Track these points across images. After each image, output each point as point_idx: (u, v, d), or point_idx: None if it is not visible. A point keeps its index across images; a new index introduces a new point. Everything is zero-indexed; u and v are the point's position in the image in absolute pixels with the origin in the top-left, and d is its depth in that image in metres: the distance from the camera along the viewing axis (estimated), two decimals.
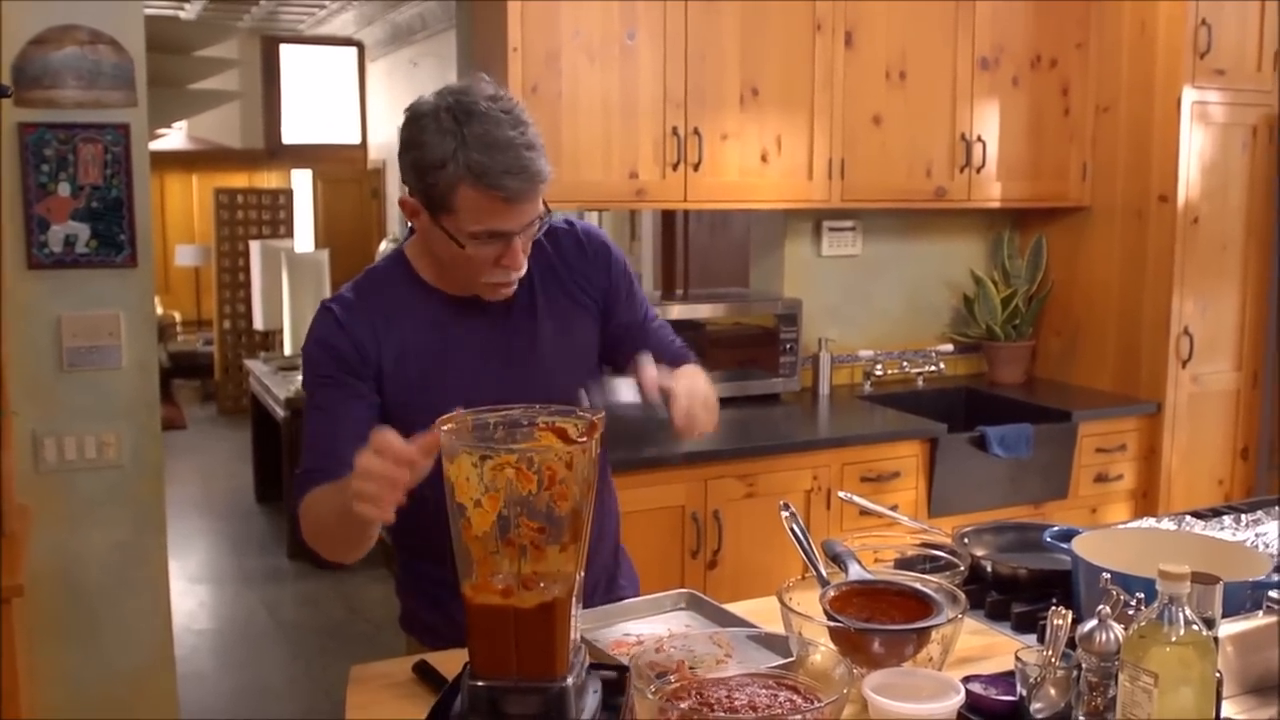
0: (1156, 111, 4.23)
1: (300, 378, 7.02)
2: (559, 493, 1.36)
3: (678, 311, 4.02)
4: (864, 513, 2.43)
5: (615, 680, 1.59)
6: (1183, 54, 4.14)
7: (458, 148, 1.72)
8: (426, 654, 1.86)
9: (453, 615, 1.73)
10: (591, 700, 1.52)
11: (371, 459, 1.47)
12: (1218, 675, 1.48)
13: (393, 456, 1.45)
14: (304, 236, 11.34)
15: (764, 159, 3.87)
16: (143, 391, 3.52)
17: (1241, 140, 4.29)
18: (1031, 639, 1.96)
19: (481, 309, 1.93)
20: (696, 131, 3.73)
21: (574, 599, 1.43)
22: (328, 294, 9.74)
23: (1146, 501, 4.28)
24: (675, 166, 3.72)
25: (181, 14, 9.70)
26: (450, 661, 1.73)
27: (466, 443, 1.37)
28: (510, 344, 1.95)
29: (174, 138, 11.54)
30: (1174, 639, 1.42)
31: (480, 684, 1.40)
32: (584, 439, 1.40)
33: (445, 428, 1.40)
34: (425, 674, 1.78)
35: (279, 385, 6.80)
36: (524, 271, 1.86)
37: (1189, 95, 4.16)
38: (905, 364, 4.62)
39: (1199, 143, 4.20)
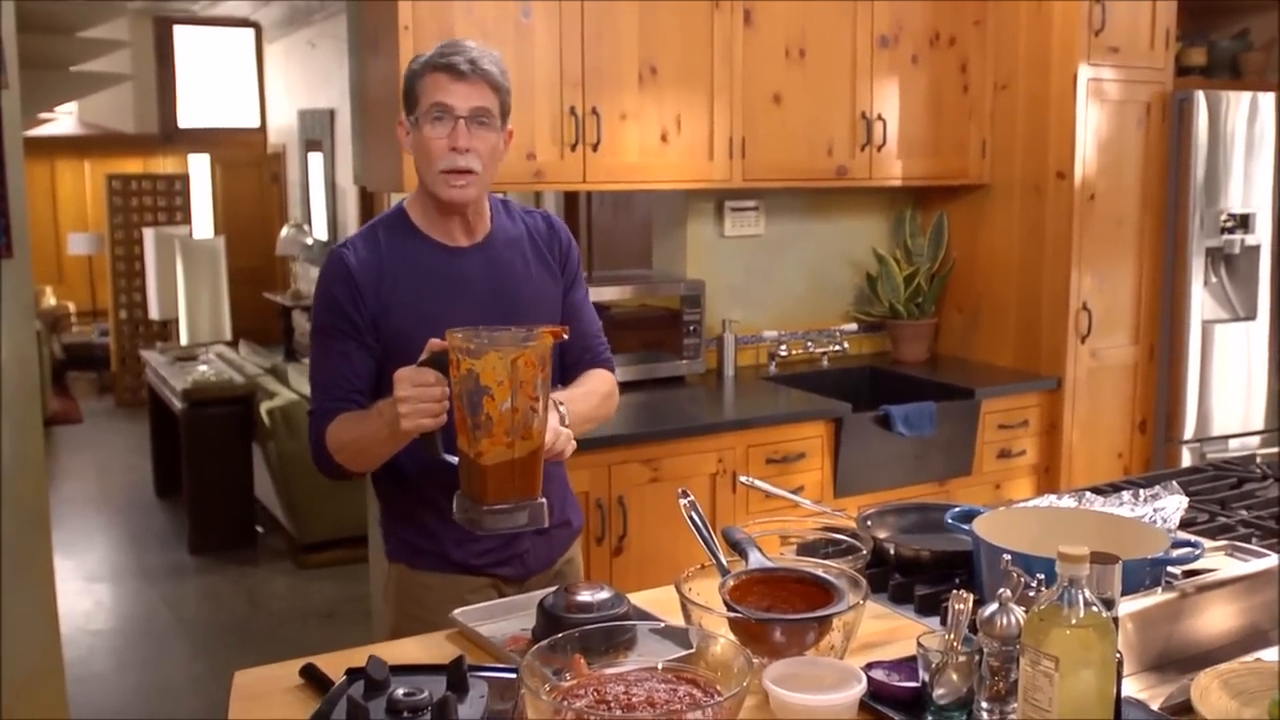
0: (1053, 89, 4.26)
1: (200, 368, 6.86)
2: (545, 375, 1.85)
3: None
4: (767, 496, 2.40)
5: (507, 683, 1.54)
6: (1078, 31, 4.17)
7: (424, 56, 2.15)
8: (314, 658, 1.79)
9: (433, 533, 2.23)
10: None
11: (414, 389, 1.90)
12: (1118, 655, 1.47)
13: (425, 383, 1.90)
14: (202, 222, 11.08)
15: (664, 139, 3.82)
16: (23, 385, 3.38)
17: (1136, 117, 4.34)
18: (935, 621, 1.94)
19: (473, 259, 2.23)
20: (595, 111, 3.67)
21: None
22: (224, 282, 9.62)
23: (1049, 476, 4.33)
24: (574, 147, 3.65)
25: None
26: (338, 663, 1.67)
27: (495, 344, 1.83)
28: (499, 292, 2.23)
29: (65, 122, 11.19)
30: (1074, 621, 1.41)
31: (496, 507, 1.89)
32: (565, 336, 1.93)
33: (459, 335, 1.83)
34: (312, 677, 1.71)
35: (176, 377, 6.64)
36: (475, 168, 2.13)
37: (1084, 73, 4.19)
38: (810, 344, 4.61)
39: (1095, 120, 4.24)
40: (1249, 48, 5.03)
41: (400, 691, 1.40)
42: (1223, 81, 4.82)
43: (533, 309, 2.25)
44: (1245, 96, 4.47)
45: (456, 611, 1.93)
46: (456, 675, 1.46)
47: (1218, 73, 4.88)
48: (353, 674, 1.51)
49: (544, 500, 1.92)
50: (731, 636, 1.65)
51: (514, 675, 1.52)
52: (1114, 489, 2.49)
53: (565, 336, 1.91)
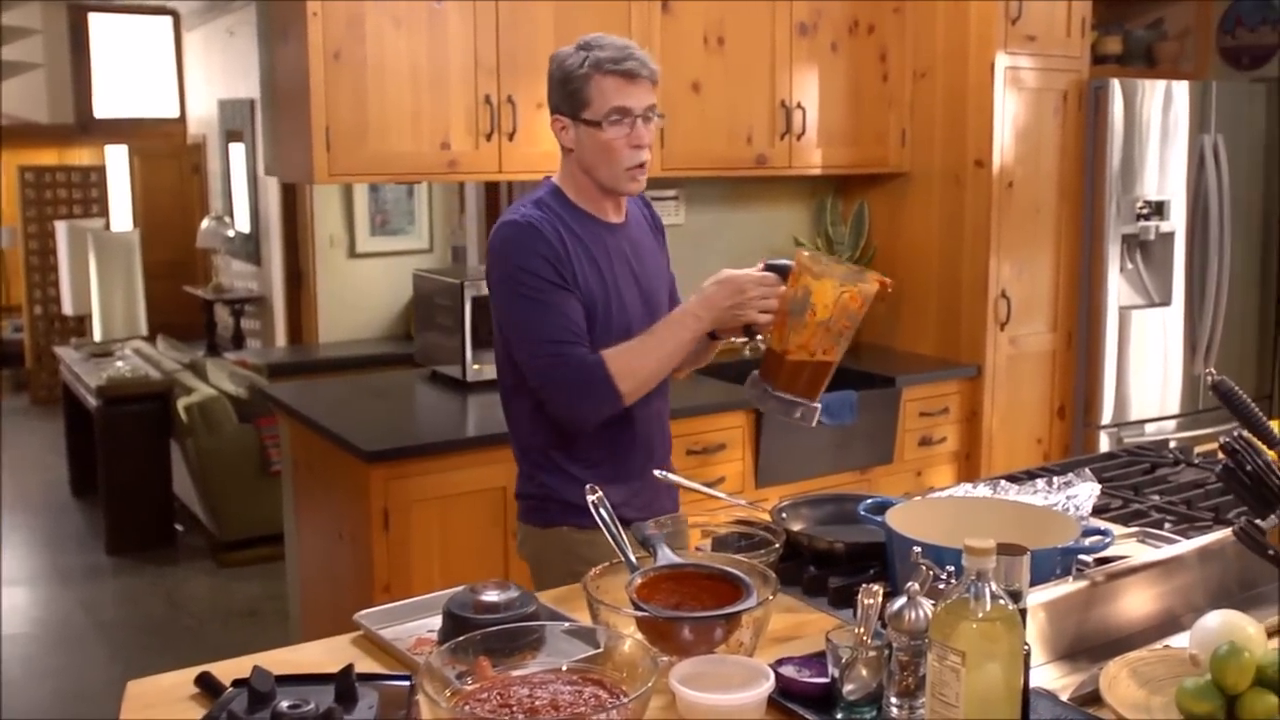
0: (971, 77, 4.27)
1: (116, 364, 6.71)
2: (859, 309, 2.15)
3: None
4: (681, 489, 2.37)
5: (400, 692, 1.49)
6: (995, 20, 4.18)
7: (588, 55, 2.27)
8: (208, 665, 1.73)
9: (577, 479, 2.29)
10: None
11: (760, 288, 2.22)
12: (1026, 648, 1.46)
13: (769, 284, 2.22)
14: (120, 215, 10.86)
15: None
16: None
17: (1053, 105, 4.37)
18: (850, 614, 1.92)
19: (622, 235, 2.42)
20: (510, 100, 3.62)
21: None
22: (139, 276, 9.43)
23: (969, 463, 4.35)
24: (489, 136, 3.60)
25: None
26: (244, 670, 1.62)
27: (831, 274, 2.16)
28: (640, 263, 2.44)
29: None
30: (980, 615, 1.39)
31: (782, 395, 2.20)
32: (890, 289, 2.21)
33: (807, 256, 2.19)
34: (208, 686, 1.65)
35: (90, 373, 6.50)
36: (649, 158, 2.32)
37: (1002, 61, 4.20)
38: None
39: (1012, 108, 4.26)
40: (1163, 37, 5.09)
41: (285, 704, 1.35)
42: (1138, 70, 4.87)
43: (658, 278, 2.51)
44: (1160, 85, 4.51)
45: (359, 614, 1.88)
46: (345, 685, 1.42)
47: (1133, 61, 4.93)
48: (239, 685, 1.46)
49: (818, 405, 2.20)
50: (639, 636, 1.62)
51: (407, 683, 1.47)
52: (1029, 476, 2.49)
53: (889, 289, 2.21)
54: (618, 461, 2.40)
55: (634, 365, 2.27)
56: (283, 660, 1.75)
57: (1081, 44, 4.42)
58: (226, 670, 1.68)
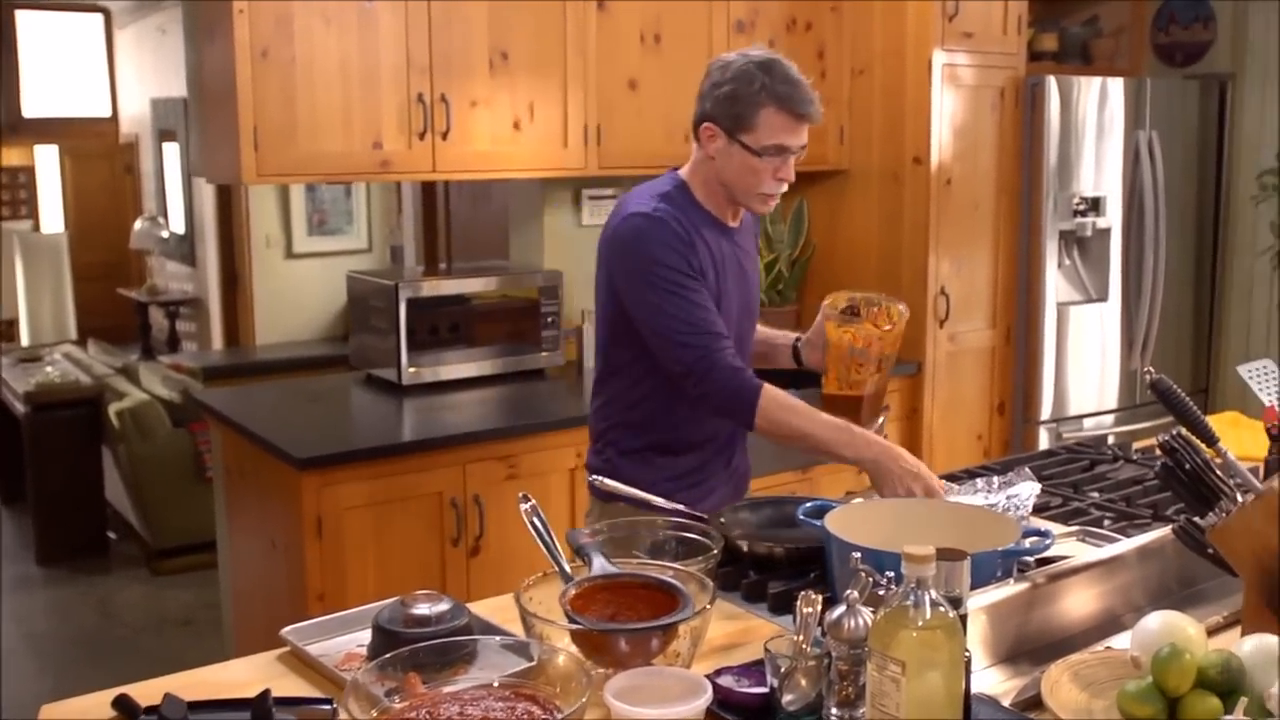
0: (909, 74, 4.26)
1: (45, 369, 6.57)
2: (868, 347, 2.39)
3: (431, 287, 3.85)
4: (615, 495, 2.33)
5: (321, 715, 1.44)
6: (932, 18, 4.18)
7: (765, 82, 2.30)
8: (128, 686, 1.67)
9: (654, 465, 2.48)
10: None
11: (924, 480, 2.22)
12: (967, 654, 1.43)
13: (925, 481, 2.22)
14: (51, 217, 10.65)
15: (516, 126, 3.72)
16: None
17: (990, 102, 4.37)
18: (790, 620, 1.89)
19: (735, 238, 2.51)
20: (444, 98, 3.56)
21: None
22: (68, 279, 9.25)
23: None
24: (422, 135, 3.54)
25: None
26: (154, 691, 1.56)
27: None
28: (745, 268, 2.55)
29: None
30: (920, 623, 1.36)
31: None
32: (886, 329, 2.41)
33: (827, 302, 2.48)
34: (125, 709, 1.59)
35: (18, 379, 6.35)
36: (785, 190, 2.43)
37: (939, 58, 4.20)
38: None
39: (950, 105, 4.25)
40: (1099, 34, 5.12)
41: None
42: (1073, 67, 4.89)
43: (757, 282, 2.64)
44: (1095, 82, 4.53)
45: (286, 630, 1.82)
46: (261, 710, 1.36)
47: (1069, 59, 4.96)
48: (150, 713, 1.40)
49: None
50: (574, 648, 1.57)
51: (329, 706, 1.42)
52: (969, 475, 2.48)
53: (891, 323, 2.41)
54: (692, 462, 2.53)
55: (789, 428, 2.33)
56: (203, 681, 1.69)
57: (1018, 41, 4.43)
58: (148, 690, 1.62)
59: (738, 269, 2.51)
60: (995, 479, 2.29)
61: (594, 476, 2.32)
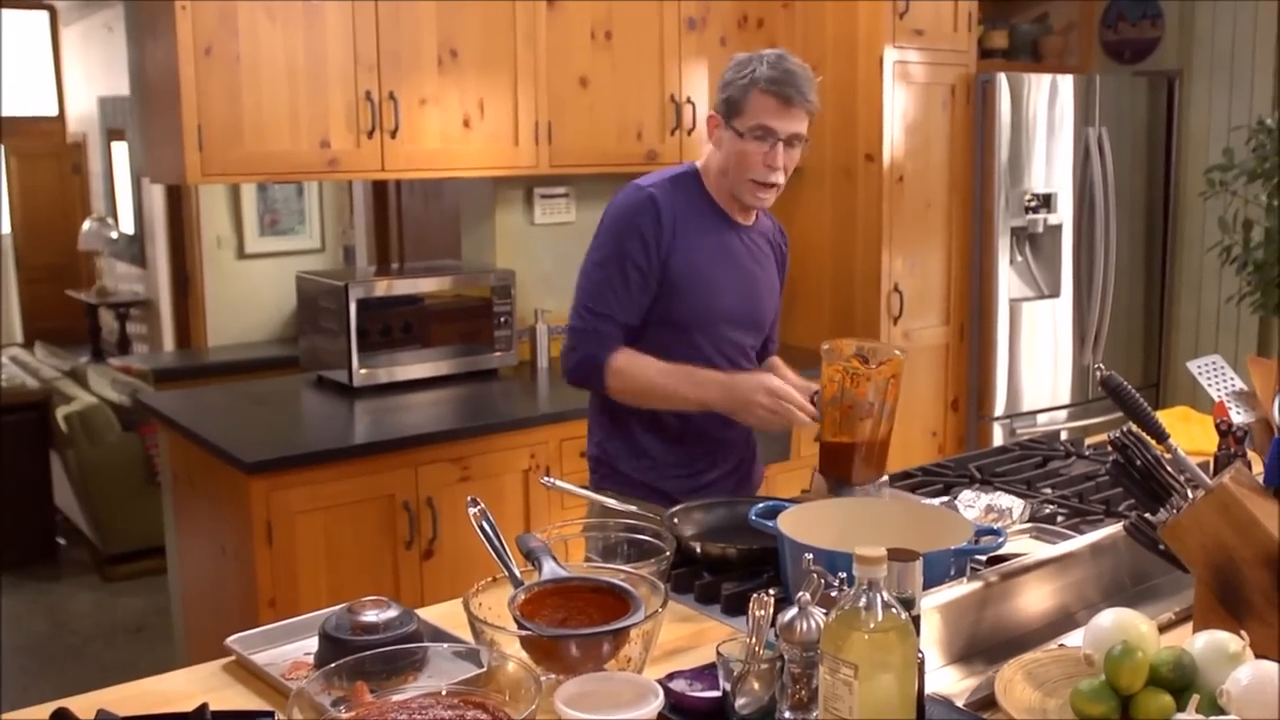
0: (860, 72, 4.26)
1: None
2: (857, 389, 2.25)
3: (382, 287, 3.81)
4: (570, 494, 2.31)
5: None
6: (883, 15, 4.18)
7: (756, 68, 2.38)
8: (69, 700, 1.63)
9: (651, 456, 2.56)
10: None
11: (786, 404, 2.31)
12: (920, 655, 1.42)
13: (804, 409, 2.32)
14: None
15: (466, 124, 3.69)
16: None
17: (941, 99, 4.38)
18: (744, 621, 1.87)
19: (742, 236, 2.54)
20: (392, 96, 3.52)
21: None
22: (12, 281, 9.11)
23: None
24: (370, 134, 3.50)
25: None
26: (95, 703, 1.52)
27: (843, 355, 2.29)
28: (751, 272, 2.56)
29: None
30: (872, 626, 1.35)
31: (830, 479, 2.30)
32: (877, 367, 2.28)
33: (825, 347, 2.30)
34: None
35: None
36: (781, 183, 2.43)
37: (890, 55, 4.20)
38: None
39: (901, 102, 4.26)
40: (1048, 31, 5.15)
41: None
42: (1024, 64, 4.91)
43: (767, 292, 2.62)
44: (1045, 79, 4.55)
45: (231, 639, 1.79)
46: None
47: (1019, 55, 4.98)
48: None
49: (854, 487, 2.27)
50: (524, 655, 1.55)
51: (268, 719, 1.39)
52: (946, 489, 2.51)
53: (881, 365, 2.29)
54: (684, 454, 2.57)
55: (642, 381, 2.42)
56: (146, 692, 1.65)
57: (969, 38, 4.44)
58: (90, 704, 1.58)
59: (739, 266, 2.53)
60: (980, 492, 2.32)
61: (546, 478, 2.30)
